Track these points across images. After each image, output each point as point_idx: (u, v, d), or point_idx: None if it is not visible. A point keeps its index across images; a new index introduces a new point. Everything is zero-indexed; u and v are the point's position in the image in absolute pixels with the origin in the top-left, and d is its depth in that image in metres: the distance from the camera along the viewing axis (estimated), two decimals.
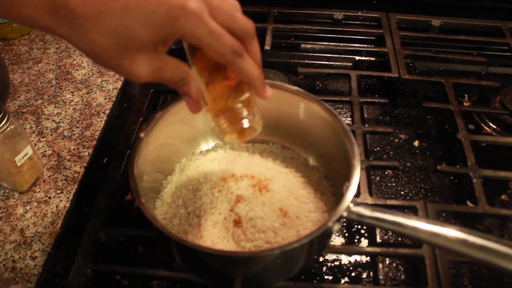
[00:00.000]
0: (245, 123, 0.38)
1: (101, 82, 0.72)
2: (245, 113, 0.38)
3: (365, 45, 0.81)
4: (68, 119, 0.66)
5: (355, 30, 0.83)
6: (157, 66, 0.34)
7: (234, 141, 0.40)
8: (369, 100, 0.68)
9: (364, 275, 0.51)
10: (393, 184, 0.61)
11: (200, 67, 0.38)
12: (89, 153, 0.61)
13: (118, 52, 0.32)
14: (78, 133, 0.64)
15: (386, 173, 0.62)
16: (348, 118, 0.69)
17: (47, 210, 0.54)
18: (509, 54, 0.77)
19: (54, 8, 0.30)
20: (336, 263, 0.52)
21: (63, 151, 0.61)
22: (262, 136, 0.58)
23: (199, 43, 0.33)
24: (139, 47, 0.32)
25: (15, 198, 0.55)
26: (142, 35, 0.32)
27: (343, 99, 0.68)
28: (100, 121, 0.66)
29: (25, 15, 0.30)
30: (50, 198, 0.56)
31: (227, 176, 0.51)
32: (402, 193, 0.60)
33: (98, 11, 0.30)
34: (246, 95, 0.38)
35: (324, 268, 0.52)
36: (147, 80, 0.34)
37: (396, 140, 0.67)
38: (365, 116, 0.70)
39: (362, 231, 0.55)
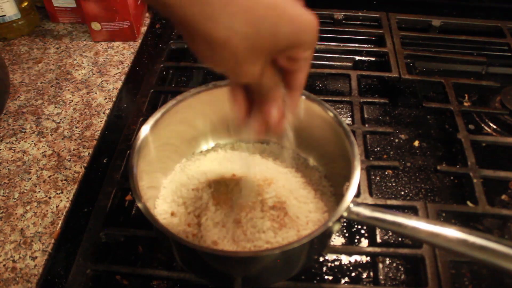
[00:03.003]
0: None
1: (101, 82, 0.72)
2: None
3: (365, 45, 0.81)
4: (68, 119, 0.66)
5: (355, 30, 0.83)
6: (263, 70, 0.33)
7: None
8: (369, 100, 0.68)
9: (364, 275, 0.51)
10: (393, 184, 0.61)
11: None
12: (89, 153, 0.61)
13: (251, 47, 0.29)
14: (78, 133, 0.64)
15: (386, 173, 0.62)
16: (348, 118, 0.69)
17: (47, 210, 0.54)
18: (509, 54, 0.77)
19: None
20: (336, 263, 0.52)
21: (63, 151, 0.61)
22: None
23: (306, 63, 0.34)
24: (272, 47, 0.30)
25: (15, 198, 0.55)
26: (284, 35, 0.30)
27: (343, 99, 0.68)
28: (100, 121, 0.66)
29: None
30: (50, 198, 0.56)
31: (227, 176, 0.51)
32: (402, 193, 0.60)
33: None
34: None
35: (324, 268, 0.52)
36: (250, 82, 0.33)
37: (396, 140, 0.67)
38: (365, 116, 0.70)
39: (362, 231, 0.55)
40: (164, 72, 0.75)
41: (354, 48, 0.80)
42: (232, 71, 0.32)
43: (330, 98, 0.68)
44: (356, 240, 0.54)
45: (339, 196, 0.47)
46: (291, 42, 0.31)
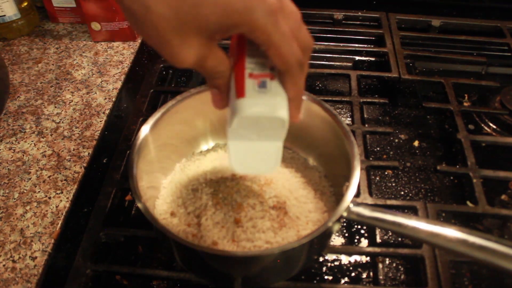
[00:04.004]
0: None
1: (101, 82, 0.72)
2: None
3: (365, 45, 0.81)
4: (68, 119, 0.66)
5: (355, 30, 0.83)
6: (203, 54, 0.31)
7: None
8: (369, 100, 0.68)
9: (364, 275, 0.51)
10: (393, 184, 0.61)
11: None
12: (89, 153, 0.61)
13: (174, 28, 0.29)
14: (78, 133, 0.64)
15: (386, 173, 0.62)
16: (348, 118, 0.69)
17: (47, 210, 0.54)
18: (509, 54, 0.77)
19: None
20: (336, 263, 0.52)
21: (63, 151, 0.61)
22: None
23: (265, 41, 0.30)
24: (198, 28, 0.29)
25: (15, 198, 0.55)
26: (208, 17, 0.29)
27: (343, 99, 0.68)
28: (100, 121, 0.66)
29: None
30: (50, 198, 0.56)
31: (227, 176, 0.51)
32: (402, 193, 0.60)
33: None
34: None
35: (324, 268, 0.52)
36: (188, 67, 0.32)
37: (396, 140, 0.67)
38: (365, 116, 0.70)
39: (362, 231, 0.55)
40: (164, 72, 0.75)
41: (354, 48, 0.80)
42: (165, 53, 0.31)
43: (330, 98, 0.68)
44: (356, 240, 0.54)
45: (339, 196, 0.47)
46: (222, 23, 0.30)
